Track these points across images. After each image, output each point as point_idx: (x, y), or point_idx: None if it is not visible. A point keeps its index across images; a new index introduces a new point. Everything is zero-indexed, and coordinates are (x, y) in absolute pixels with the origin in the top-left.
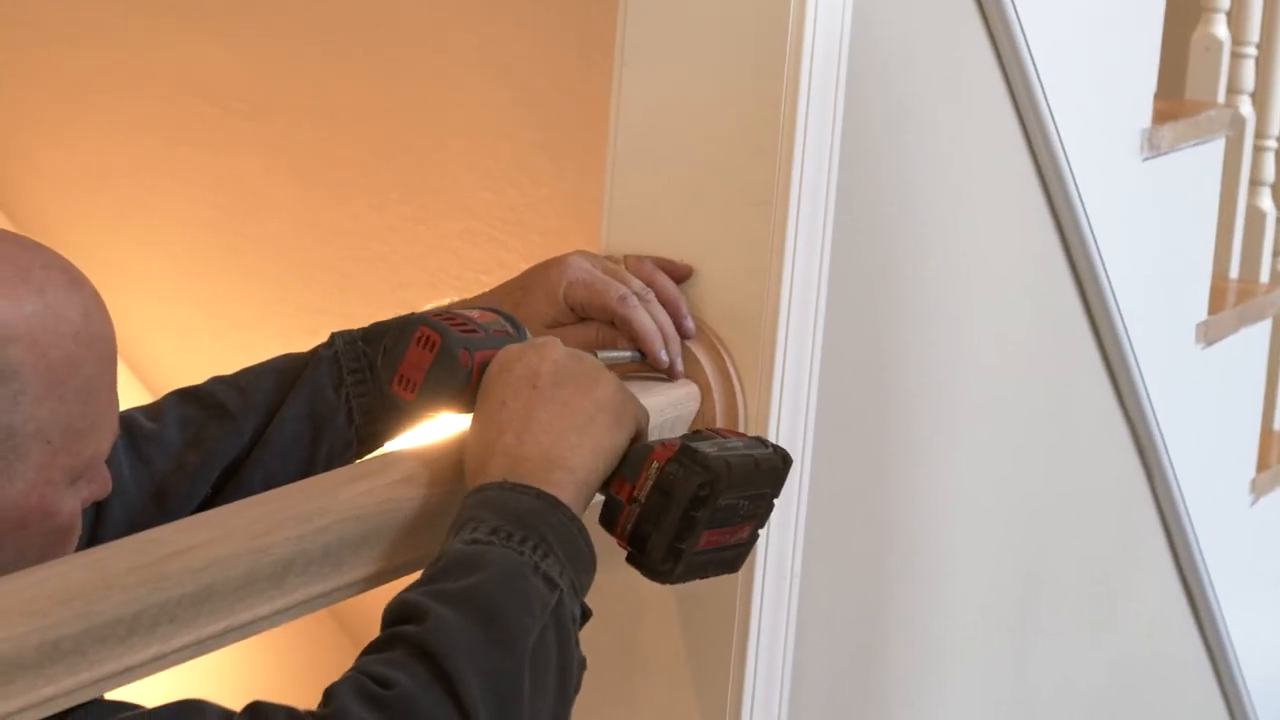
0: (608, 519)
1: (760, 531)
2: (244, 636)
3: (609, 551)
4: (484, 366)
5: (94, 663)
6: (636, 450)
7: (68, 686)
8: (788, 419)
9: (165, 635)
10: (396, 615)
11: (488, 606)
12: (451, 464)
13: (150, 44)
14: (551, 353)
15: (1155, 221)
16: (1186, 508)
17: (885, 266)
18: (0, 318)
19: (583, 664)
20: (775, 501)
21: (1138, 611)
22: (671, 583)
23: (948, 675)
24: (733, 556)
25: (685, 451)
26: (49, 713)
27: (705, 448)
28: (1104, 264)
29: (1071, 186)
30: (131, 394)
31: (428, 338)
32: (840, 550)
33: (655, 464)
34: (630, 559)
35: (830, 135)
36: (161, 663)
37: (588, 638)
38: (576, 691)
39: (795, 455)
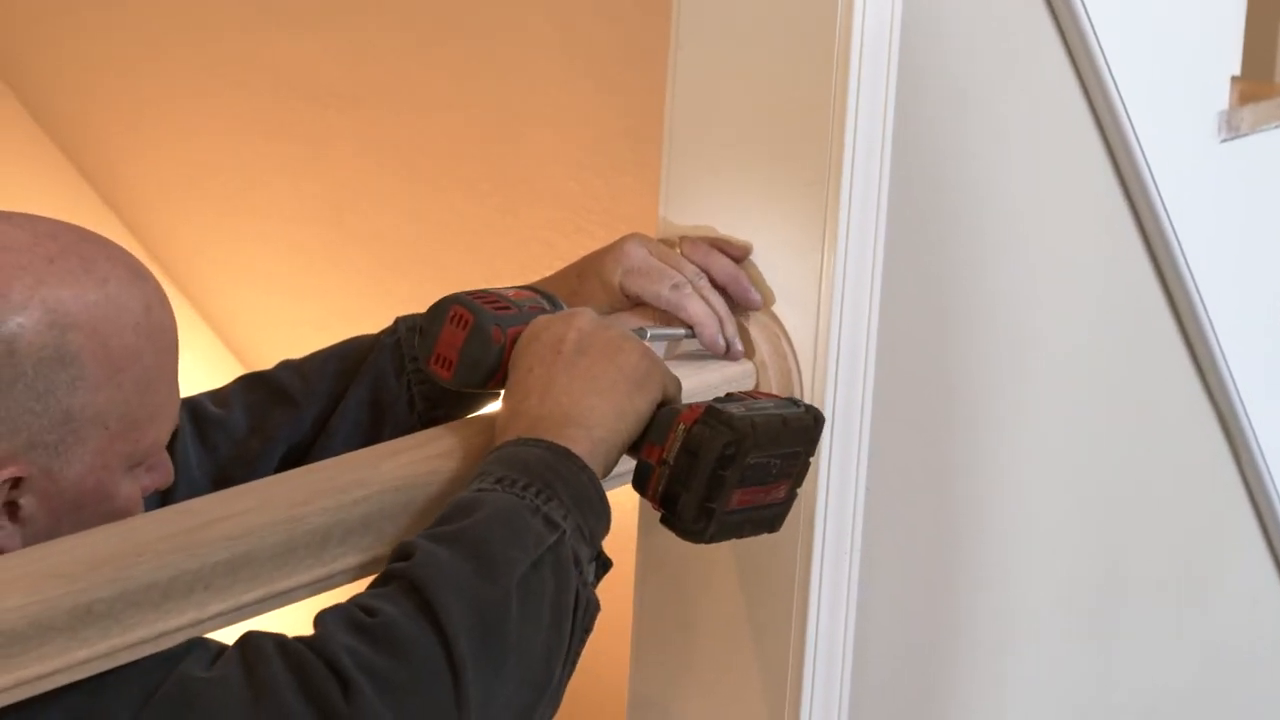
0: (640, 482)
1: (798, 491)
2: (285, 604)
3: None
4: (516, 342)
5: (128, 627)
6: (664, 414)
7: (102, 650)
8: (844, 396)
9: (201, 601)
10: (395, 555)
11: (476, 542)
12: (491, 437)
13: (246, 43)
14: (578, 321)
15: (1236, 203)
16: (1277, 489)
17: (946, 245)
18: (63, 306)
19: (591, 606)
20: (810, 461)
21: (1230, 599)
22: (706, 542)
23: (1021, 663)
24: (770, 516)
25: (710, 412)
26: (83, 675)
27: (731, 408)
28: (1181, 246)
29: (1144, 168)
30: None
31: (461, 316)
32: (902, 531)
33: (682, 426)
34: (664, 520)
35: (883, 115)
36: (198, 628)
37: (649, 608)
38: (585, 632)
39: (852, 433)
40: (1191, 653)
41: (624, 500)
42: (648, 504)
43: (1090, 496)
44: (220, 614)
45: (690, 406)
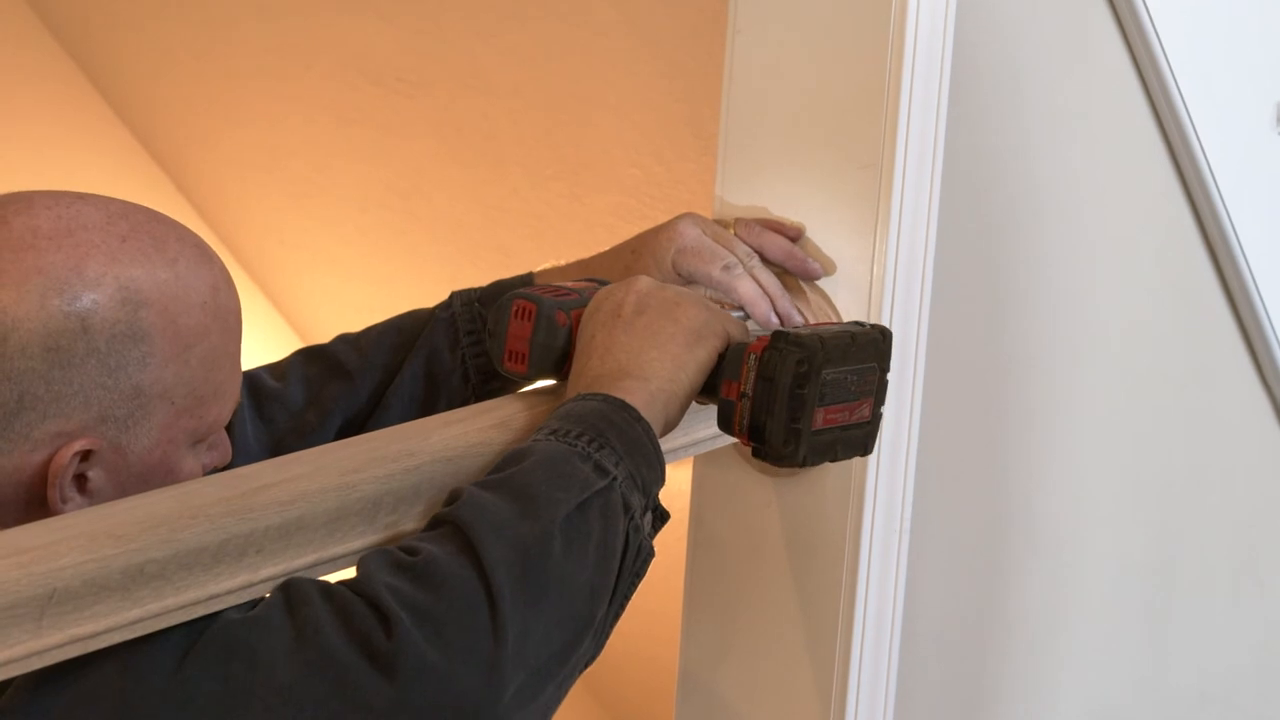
0: (724, 421)
1: (882, 410)
2: (336, 569)
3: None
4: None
5: (180, 588)
6: (733, 350)
7: (154, 610)
8: (895, 375)
9: (253, 565)
10: (444, 501)
11: (521, 485)
12: (546, 409)
13: (315, 27)
14: (636, 285)
15: None
16: None
17: (999, 228)
18: (135, 284)
19: (644, 552)
20: (888, 378)
21: None
22: (799, 465)
23: (1075, 643)
24: (861, 436)
25: (778, 336)
26: (135, 635)
27: (798, 331)
28: (1237, 235)
29: (1201, 158)
30: None
31: (524, 308)
32: (953, 512)
33: (753, 356)
34: (755, 453)
35: (937, 98)
36: (250, 591)
37: (699, 587)
38: (636, 577)
39: (904, 412)
40: (1247, 633)
41: (684, 484)
42: (700, 475)
43: (1145, 477)
44: (272, 578)
45: (758, 338)
